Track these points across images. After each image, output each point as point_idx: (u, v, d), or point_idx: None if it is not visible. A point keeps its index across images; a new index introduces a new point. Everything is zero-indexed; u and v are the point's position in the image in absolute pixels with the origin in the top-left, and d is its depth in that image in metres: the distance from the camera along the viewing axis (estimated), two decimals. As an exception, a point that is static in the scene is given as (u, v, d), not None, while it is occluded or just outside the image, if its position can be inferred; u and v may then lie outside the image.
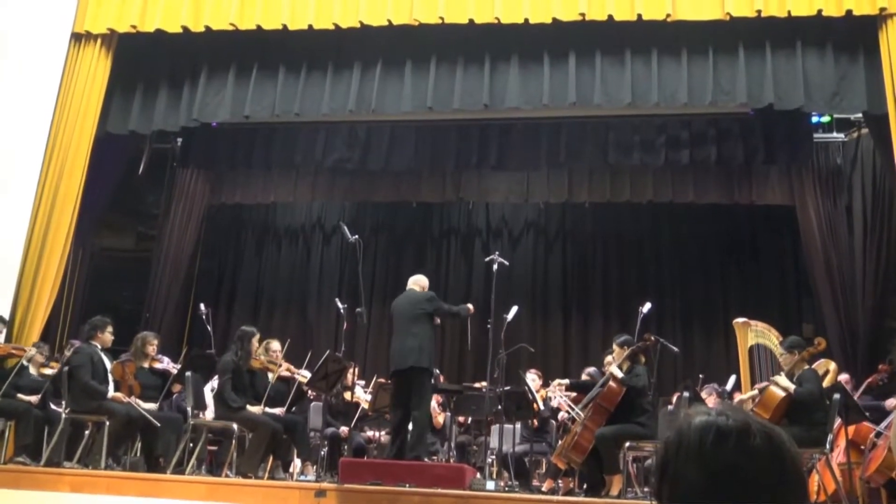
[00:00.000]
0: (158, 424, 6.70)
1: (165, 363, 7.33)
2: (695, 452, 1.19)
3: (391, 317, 6.81)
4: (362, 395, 8.12)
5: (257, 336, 7.15)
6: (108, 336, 6.95)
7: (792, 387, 5.84)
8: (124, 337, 7.59)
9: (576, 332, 11.24)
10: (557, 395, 7.57)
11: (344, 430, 7.73)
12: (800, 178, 9.78)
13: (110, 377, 6.83)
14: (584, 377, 7.91)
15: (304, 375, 7.37)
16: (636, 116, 9.19)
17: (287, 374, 7.34)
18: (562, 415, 7.76)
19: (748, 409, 6.32)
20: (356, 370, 7.77)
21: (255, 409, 6.83)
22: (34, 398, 6.83)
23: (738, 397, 6.96)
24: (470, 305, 7.00)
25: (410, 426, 6.48)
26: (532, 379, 7.96)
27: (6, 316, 7.49)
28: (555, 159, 9.77)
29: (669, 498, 1.22)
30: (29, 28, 8.23)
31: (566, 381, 7.39)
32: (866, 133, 9.20)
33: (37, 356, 7.19)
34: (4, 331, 7.32)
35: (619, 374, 6.42)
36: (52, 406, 7.14)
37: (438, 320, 6.80)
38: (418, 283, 6.93)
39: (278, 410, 7.09)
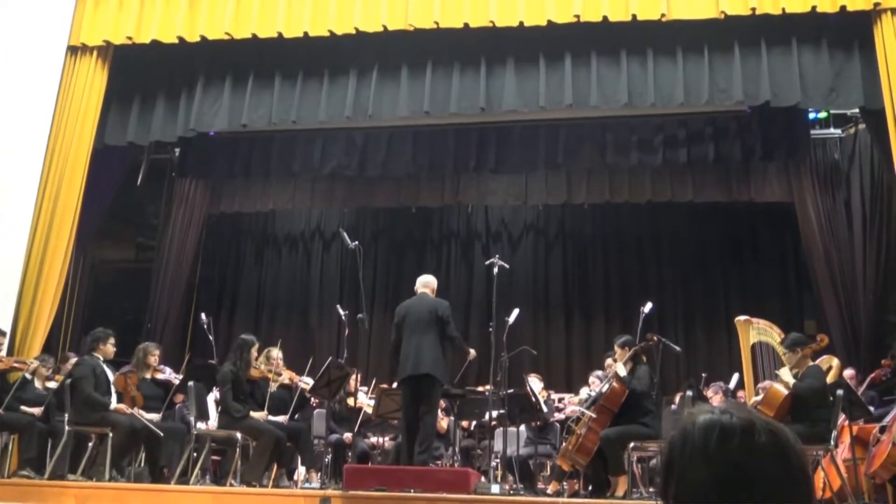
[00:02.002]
0: (161, 434, 6.69)
1: (167, 373, 7.33)
2: (699, 452, 1.19)
3: (400, 320, 6.65)
4: (365, 401, 8.11)
5: (256, 345, 7.12)
6: (109, 348, 6.94)
7: (792, 381, 5.84)
8: (126, 348, 7.58)
9: (578, 333, 11.23)
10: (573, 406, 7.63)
11: (348, 436, 7.72)
12: (798, 174, 9.79)
13: (113, 389, 6.82)
14: (591, 379, 7.91)
15: (306, 382, 7.36)
16: (633, 117, 9.20)
17: (289, 381, 7.34)
18: (569, 403, 7.79)
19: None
20: (358, 376, 7.76)
21: (258, 415, 6.82)
22: (37, 410, 6.83)
23: (741, 395, 6.95)
24: (472, 351, 6.93)
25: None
26: (533, 382, 7.95)
27: (7, 328, 7.47)
28: (553, 161, 9.78)
29: (675, 498, 1.22)
30: (25, 41, 8.23)
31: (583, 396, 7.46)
32: (863, 128, 9.21)
33: (41, 369, 7.18)
34: (5, 343, 7.30)
35: (623, 373, 6.41)
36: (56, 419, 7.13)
37: None
38: (429, 286, 6.86)
39: (281, 418, 7.09)
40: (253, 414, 6.79)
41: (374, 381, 8.70)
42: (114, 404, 6.71)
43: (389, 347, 6.89)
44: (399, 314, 6.71)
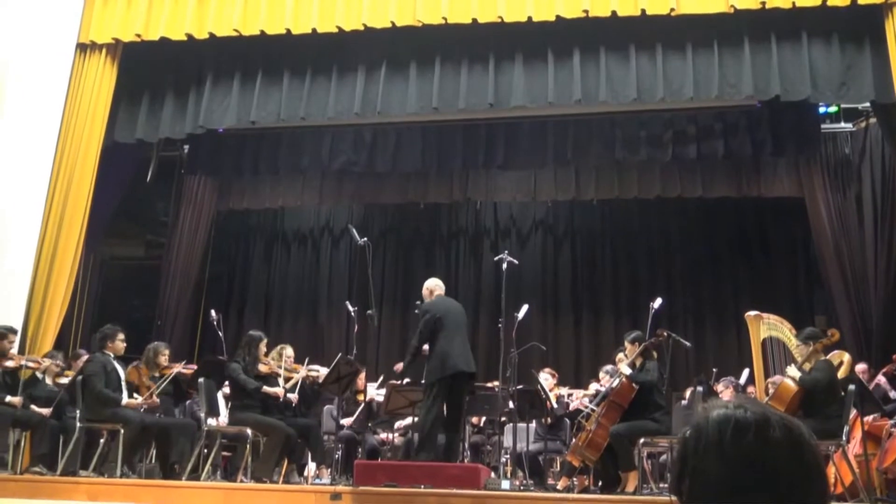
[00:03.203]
0: (168, 415, 6.67)
1: (179, 367, 7.36)
2: (714, 446, 1.19)
3: (440, 318, 6.47)
4: (374, 392, 8.13)
5: (264, 341, 7.11)
6: (119, 344, 6.94)
7: (798, 375, 5.83)
8: (136, 345, 7.61)
9: (587, 329, 11.22)
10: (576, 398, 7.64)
11: (347, 421, 7.74)
12: (808, 169, 9.74)
13: (124, 385, 6.86)
14: (601, 374, 7.91)
15: (315, 370, 7.36)
16: (642, 112, 9.17)
17: (304, 376, 7.30)
18: (576, 398, 7.84)
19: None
20: (377, 375, 7.79)
21: (275, 390, 6.85)
22: (47, 411, 6.84)
23: (751, 390, 6.94)
24: None
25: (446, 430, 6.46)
26: (545, 378, 7.95)
27: (18, 326, 7.50)
28: (561, 157, 9.77)
29: (689, 492, 1.21)
30: (34, 39, 8.26)
31: (591, 393, 7.47)
32: (874, 122, 9.16)
33: (51, 366, 7.21)
34: (17, 341, 7.33)
35: (628, 372, 6.41)
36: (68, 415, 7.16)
37: None
38: (443, 289, 6.90)
39: (293, 397, 7.09)
40: (267, 389, 6.79)
41: (382, 378, 8.69)
42: (125, 399, 6.74)
43: (413, 343, 6.61)
44: (437, 311, 6.52)
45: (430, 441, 6.30)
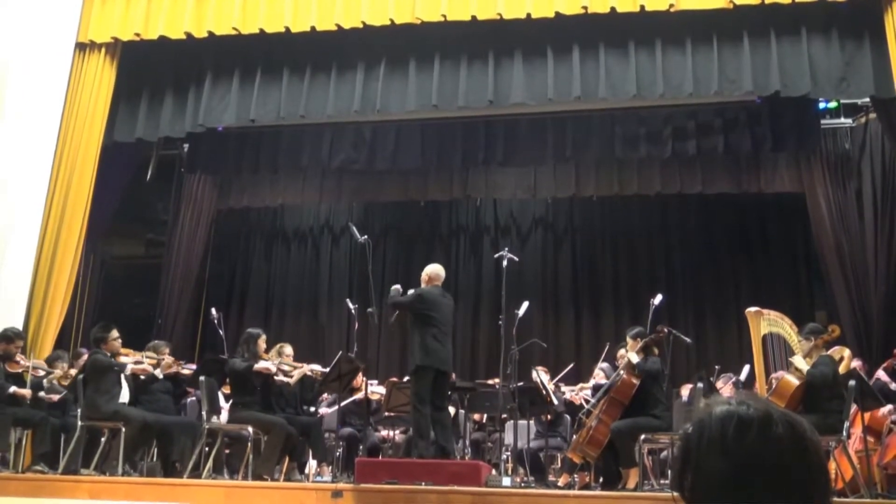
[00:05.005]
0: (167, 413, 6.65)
1: (181, 366, 7.38)
2: (717, 443, 1.19)
3: (429, 307, 6.49)
4: (375, 390, 8.13)
5: (263, 337, 7.10)
6: (113, 343, 6.88)
7: (806, 367, 5.83)
8: (137, 344, 7.62)
9: (587, 325, 11.22)
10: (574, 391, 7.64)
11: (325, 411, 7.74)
12: (808, 164, 9.73)
13: (124, 382, 6.87)
14: (596, 371, 7.90)
15: (314, 371, 7.37)
16: (642, 108, 9.16)
17: (308, 373, 7.29)
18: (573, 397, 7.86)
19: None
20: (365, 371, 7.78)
21: (266, 365, 6.83)
22: (57, 396, 6.87)
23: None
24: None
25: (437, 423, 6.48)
26: (540, 376, 7.95)
27: (19, 326, 7.49)
28: (561, 154, 9.76)
29: (691, 489, 1.21)
30: (33, 39, 8.25)
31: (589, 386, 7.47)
32: (874, 117, 9.14)
33: (59, 373, 7.22)
34: (22, 344, 7.32)
35: (636, 360, 6.41)
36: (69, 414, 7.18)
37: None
38: (442, 279, 6.83)
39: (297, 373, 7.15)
40: (258, 366, 6.77)
41: (391, 370, 8.69)
42: (125, 389, 6.79)
43: (398, 299, 6.70)
44: (428, 306, 6.52)
45: (423, 427, 6.35)
